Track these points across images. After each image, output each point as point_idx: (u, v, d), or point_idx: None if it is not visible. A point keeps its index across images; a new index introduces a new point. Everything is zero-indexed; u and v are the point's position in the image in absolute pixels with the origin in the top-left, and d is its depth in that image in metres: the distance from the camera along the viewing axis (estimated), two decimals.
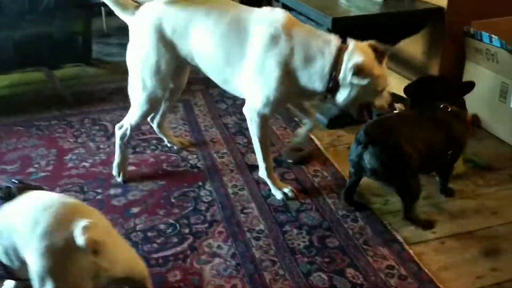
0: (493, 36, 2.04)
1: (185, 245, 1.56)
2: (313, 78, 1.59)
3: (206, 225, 1.66)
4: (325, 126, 2.33)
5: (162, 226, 1.65)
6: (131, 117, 1.86)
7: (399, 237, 1.55)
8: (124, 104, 2.64)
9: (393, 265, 1.44)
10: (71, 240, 1.03)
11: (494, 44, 2.04)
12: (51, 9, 2.74)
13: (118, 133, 1.90)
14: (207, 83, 2.88)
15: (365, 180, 1.86)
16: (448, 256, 1.48)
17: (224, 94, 2.74)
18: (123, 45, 3.51)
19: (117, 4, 1.74)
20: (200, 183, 1.90)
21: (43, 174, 1.97)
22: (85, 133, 2.31)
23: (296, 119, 2.41)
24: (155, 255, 1.52)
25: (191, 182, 1.91)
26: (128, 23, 1.78)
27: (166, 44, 1.70)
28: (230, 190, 1.85)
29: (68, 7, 2.74)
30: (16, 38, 2.34)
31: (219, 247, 1.55)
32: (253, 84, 1.65)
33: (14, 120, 2.43)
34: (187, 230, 1.63)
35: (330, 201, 1.77)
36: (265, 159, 1.79)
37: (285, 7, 3.08)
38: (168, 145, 2.17)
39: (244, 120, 2.42)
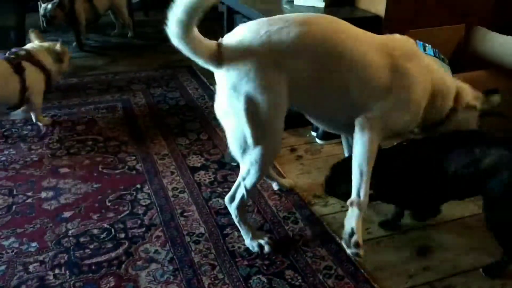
0: (427, 44, 2.14)
1: (120, 250, 1.50)
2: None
3: (143, 229, 1.60)
4: None
5: (95, 231, 1.58)
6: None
7: (337, 238, 1.58)
8: (60, 103, 2.53)
9: (331, 265, 1.46)
10: None
11: (428, 53, 2.13)
12: None
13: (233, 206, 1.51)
14: (148, 83, 2.82)
15: (306, 181, 1.88)
16: (383, 256, 1.52)
17: (166, 95, 2.68)
18: (63, 42, 3.35)
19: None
20: (138, 186, 1.83)
21: None
22: (16, 134, 2.17)
23: None
24: (87, 261, 1.44)
25: (128, 185, 1.84)
26: None
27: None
28: (170, 193, 1.80)
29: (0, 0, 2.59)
30: None
31: (156, 252, 1.50)
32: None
33: None
34: (122, 235, 1.56)
35: (272, 202, 1.76)
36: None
37: (230, 10, 3.09)
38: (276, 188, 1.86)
39: (187, 121, 2.41)
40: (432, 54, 2.12)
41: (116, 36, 3.74)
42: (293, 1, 2.40)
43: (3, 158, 1.97)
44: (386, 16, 2.23)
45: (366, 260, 1.47)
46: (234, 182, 1.87)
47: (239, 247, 1.53)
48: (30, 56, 2.15)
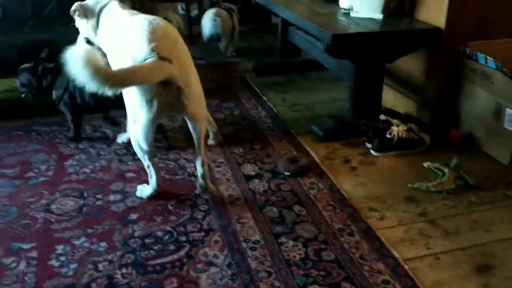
0: (488, 57, 2.09)
1: (182, 253, 1.57)
2: None
3: (203, 233, 1.67)
4: (321, 139, 2.36)
5: (159, 233, 1.67)
6: None
7: (394, 253, 1.57)
8: (124, 112, 2.68)
9: (388, 280, 1.46)
10: None
11: (489, 66, 2.09)
12: (53, 16, 2.78)
13: None
14: (204, 93, 2.92)
15: (361, 193, 1.89)
16: (442, 272, 1.50)
17: (221, 105, 2.78)
18: None
19: None
20: (197, 192, 1.91)
21: (43, 178, 1.99)
22: (86, 140, 2.33)
23: (291, 130, 2.45)
24: (152, 262, 1.53)
25: (188, 190, 1.93)
26: None
27: None
28: (226, 200, 1.87)
29: (69, 14, 2.78)
30: (19, 43, 2.36)
31: (215, 256, 1.56)
32: None
33: (14, 125, 2.45)
34: (183, 238, 1.65)
35: (326, 214, 1.79)
36: None
37: (285, 22, 3.16)
38: None
39: (242, 130, 2.48)
40: (494, 67, 2.07)
41: None
42: (349, 13, 2.42)
43: (75, 163, 2.12)
44: (447, 27, 2.20)
45: (424, 276, 1.46)
46: (288, 191, 1.93)
47: (294, 256, 1.56)
48: None
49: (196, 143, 1.86)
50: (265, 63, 3.37)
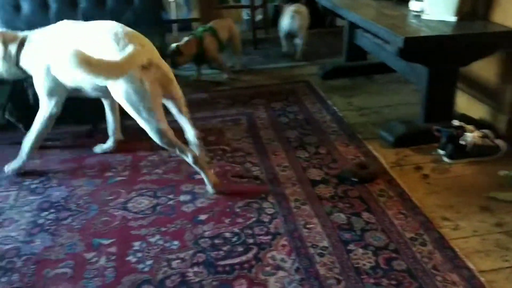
0: None
1: (250, 255, 1.61)
2: None
3: (270, 237, 1.70)
4: (391, 144, 2.30)
5: (227, 235, 1.71)
6: None
7: (469, 264, 1.50)
8: (193, 115, 2.76)
9: None
10: None
11: None
12: (130, 25, 2.93)
13: None
14: (268, 97, 2.97)
15: (434, 202, 1.82)
16: None
17: (285, 109, 2.80)
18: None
19: None
20: (263, 195, 1.94)
21: (120, 178, 2.11)
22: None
23: (358, 135, 2.41)
24: (222, 262, 1.58)
25: (254, 193, 1.96)
26: None
27: None
28: (292, 204, 1.88)
29: (146, 23, 2.93)
30: None
31: (282, 260, 1.58)
32: None
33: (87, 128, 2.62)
34: (251, 240, 1.68)
35: (397, 222, 1.74)
36: None
37: (352, 25, 3.11)
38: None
39: (306, 134, 2.49)
40: None
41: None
42: (420, 16, 2.34)
43: (148, 164, 2.23)
44: None
45: None
46: (356, 197, 1.91)
47: (364, 264, 1.54)
48: None
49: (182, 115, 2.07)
50: (330, 66, 3.34)
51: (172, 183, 2.06)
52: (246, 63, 3.66)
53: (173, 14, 4.22)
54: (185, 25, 4.26)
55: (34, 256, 1.62)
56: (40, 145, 2.16)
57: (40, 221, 1.81)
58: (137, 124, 1.88)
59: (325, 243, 1.65)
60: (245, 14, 4.58)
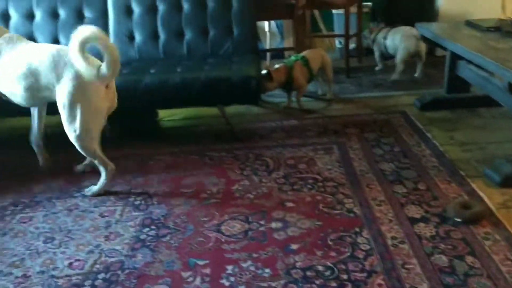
0: None
1: None
2: None
3: (365, 274, 1.63)
4: (498, 184, 2.12)
5: (320, 268, 1.68)
6: None
7: None
8: (284, 142, 2.82)
9: None
10: None
11: None
12: (229, 54, 3.08)
13: None
14: (361, 127, 2.91)
15: None
16: None
17: (380, 140, 2.71)
18: None
19: None
20: (357, 229, 1.88)
21: (214, 200, 2.18)
22: (249, 167, 2.49)
23: (461, 172, 2.26)
24: None
25: (347, 227, 1.91)
26: None
27: None
28: (389, 242, 1.80)
29: (243, 52, 3.06)
30: (201, 78, 2.67)
31: None
32: None
33: (190, 149, 2.75)
34: (345, 276, 1.62)
35: (505, 269, 1.59)
36: None
37: (453, 55, 2.97)
38: None
39: (403, 168, 2.38)
40: None
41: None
42: None
43: (240, 188, 2.28)
44: None
45: None
46: (459, 239, 1.77)
47: None
48: None
49: None
50: (429, 97, 3.20)
51: (264, 209, 2.08)
52: (338, 91, 3.64)
53: (267, 43, 4.35)
54: (277, 54, 4.36)
55: (136, 271, 1.72)
56: (144, 165, 2.32)
57: (142, 236, 1.92)
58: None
59: (425, 286, 1.55)
60: (338, 42, 4.58)
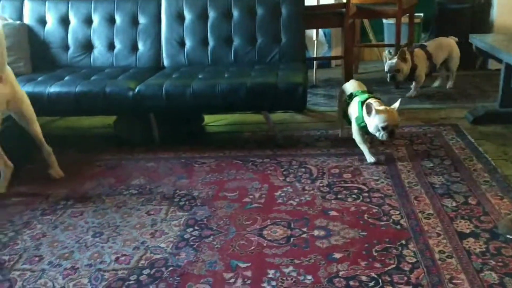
0: None
1: None
2: None
3: (410, 287, 1.58)
4: None
5: (364, 278, 1.64)
6: None
7: None
8: (328, 150, 2.79)
9: None
10: None
11: None
12: (276, 61, 3.10)
13: None
14: (411, 139, 2.83)
15: None
16: None
17: (429, 152, 2.63)
18: (329, 96, 3.73)
19: None
20: (403, 242, 1.83)
21: (256, 205, 2.19)
22: (293, 174, 2.49)
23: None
24: None
25: (393, 238, 1.86)
26: None
27: None
28: (436, 256, 1.73)
29: (290, 60, 3.08)
30: (248, 85, 2.70)
31: None
32: None
33: (234, 154, 2.78)
34: None
35: None
36: None
37: (509, 68, 2.85)
38: None
39: (453, 182, 2.30)
40: None
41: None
42: None
43: (283, 194, 2.28)
44: None
45: None
46: (510, 257, 1.68)
47: None
48: None
49: None
50: (482, 110, 3.08)
51: (306, 216, 2.06)
52: (388, 102, 3.56)
53: (314, 52, 4.35)
54: (324, 63, 4.35)
55: (179, 268, 1.75)
56: (189, 167, 2.37)
57: (186, 236, 1.96)
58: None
59: None
60: (387, 52, 4.51)
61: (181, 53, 3.17)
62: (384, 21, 4.41)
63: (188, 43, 3.17)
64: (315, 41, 4.28)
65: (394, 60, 3.46)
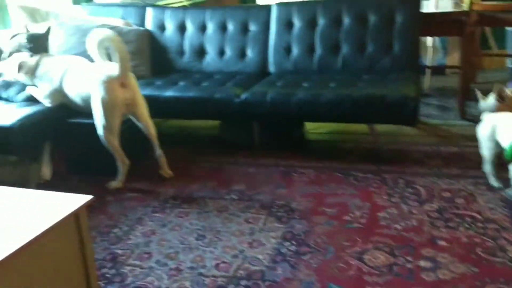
0: None
1: None
2: None
3: None
4: None
5: None
6: None
7: None
8: (440, 170, 2.59)
9: None
10: None
11: None
12: (387, 70, 2.95)
13: None
14: None
15: None
16: None
17: None
18: (443, 108, 3.46)
19: None
20: None
21: (357, 225, 2.11)
22: (398, 194, 2.35)
23: None
24: None
25: (509, 278, 1.67)
26: None
27: None
28: None
29: (402, 68, 2.91)
30: (354, 97, 2.61)
31: None
32: None
33: (334, 166, 2.72)
34: None
35: None
36: None
37: None
38: None
39: None
40: None
41: None
42: None
43: (386, 216, 2.17)
44: None
45: None
46: None
47: None
48: None
49: None
50: None
51: (412, 244, 1.93)
52: None
53: (428, 59, 4.07)
54: (439, 71, 4.06)
55: (276, 284, 1.75)
56: (288, 176, 2.37)
57: (283, 250, 1.95)
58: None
59: None
60: (509, 62, 4.08)
61: (287, 60, 3.17)
62: (508, 28, 3.99)
63: (295, 50, 3.16)
64: (430, 47, 4.01)
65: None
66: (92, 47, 2.39)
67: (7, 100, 2.75)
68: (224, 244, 2.01)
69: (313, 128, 3.32)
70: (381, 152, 2.84)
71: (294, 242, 2.00)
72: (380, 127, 3.11)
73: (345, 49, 3.06)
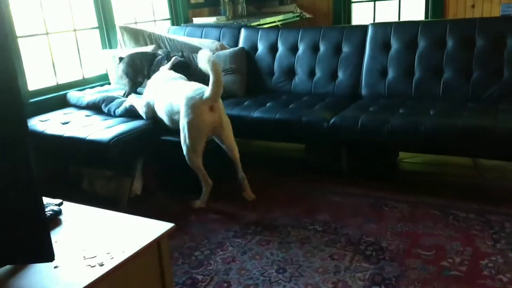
0: None
1: None
2: None
3: None
4: None
5: None
6: None
7: None
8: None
9: None
10: None
11: None
12: (495, 100, 2.66)
13: None
14: None
15: None
16: None
17: None
18: None
19: None
20: None
21: (455, 272, 1.89)
22: (505, 239, 2.07)
23: None
24: None
25: None
26: None
27: None
28: None
29: None
30: (458, 127, 2.37)
31: None
32: None
33: (431, 202, 2.48)
34: None
35: None
36: None
37: None
38: None
39: None
40: None
41: None
42: None
43: (490, 264, 1.91)
44: None
45: None
46: None
47: None
48: None
49: None
50: None
51: None
52: None
53: None
54: None
55: None
56: (378, 209, 2.18)
57: None
58: None
59: None
60: None
61: (381, 83, 3.01)
62: None
63: (390, 73, 2.99)
64: None
65: None
66: (203, 62, 2.41)
67: (108, 114, 2.91)
68: (306, 281, 1.91)
69: (408, 157, 3.09)
70: (486, 189, 2.54)
71: (383, 287, 1.83)
72: (486, 160, 2.80)
73: (447, 73, 2.82)
